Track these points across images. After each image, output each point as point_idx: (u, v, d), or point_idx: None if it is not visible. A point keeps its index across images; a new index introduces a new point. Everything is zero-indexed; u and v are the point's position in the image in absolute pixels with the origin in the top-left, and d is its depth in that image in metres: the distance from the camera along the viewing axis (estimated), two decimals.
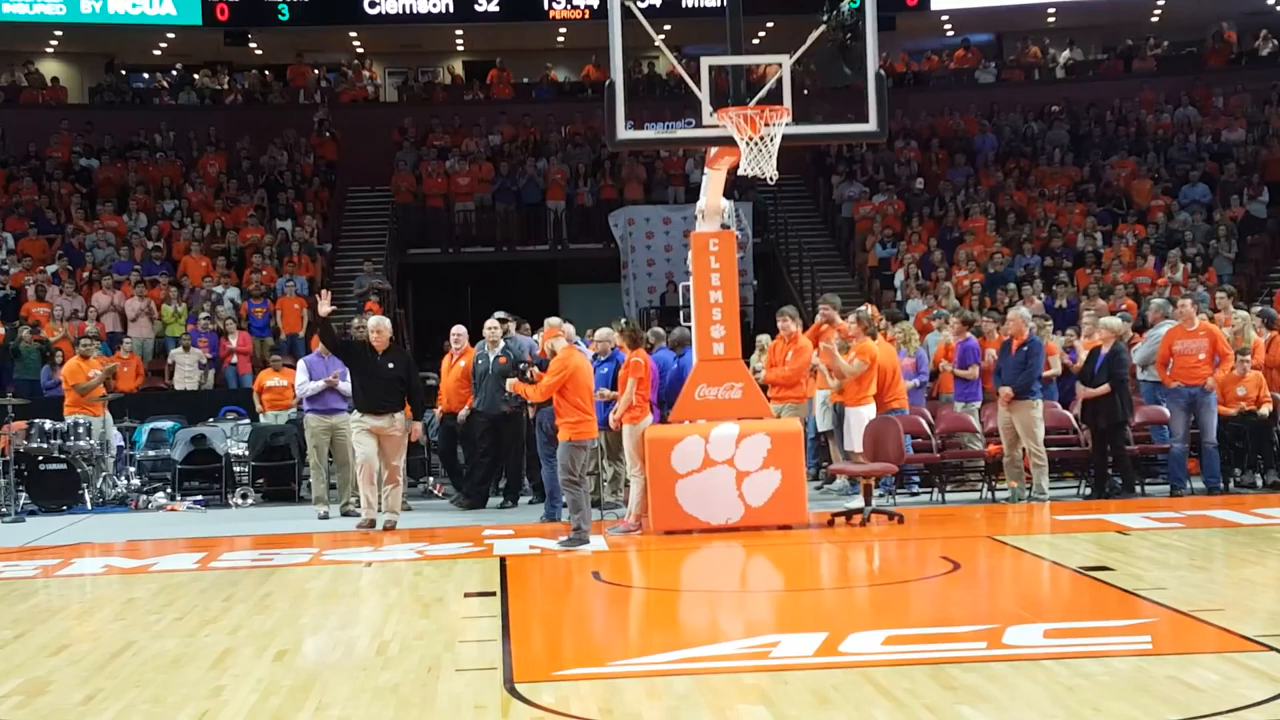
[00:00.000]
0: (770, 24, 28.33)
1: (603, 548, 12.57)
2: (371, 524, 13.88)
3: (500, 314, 16.20)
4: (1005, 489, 15.06)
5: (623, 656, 8.30)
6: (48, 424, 17.01)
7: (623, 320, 14.97)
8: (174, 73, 34.80)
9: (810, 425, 15.58)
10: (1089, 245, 26.52)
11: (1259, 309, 17.86)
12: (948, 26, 34.50)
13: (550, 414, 13.39)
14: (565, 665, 8.00)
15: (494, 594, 10.31)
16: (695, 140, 13.80)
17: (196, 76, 34.01)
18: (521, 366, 14.13)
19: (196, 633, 9.20)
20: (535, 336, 16.08)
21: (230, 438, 17.70)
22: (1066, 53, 35.29)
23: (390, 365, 14.05)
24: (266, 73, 34.68)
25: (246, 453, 17.46)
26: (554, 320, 15.68)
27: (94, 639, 9.15)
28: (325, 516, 15.03)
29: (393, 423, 13.96)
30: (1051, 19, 33.89)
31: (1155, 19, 34.04)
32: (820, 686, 7.17)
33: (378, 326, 14.35)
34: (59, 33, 32.48)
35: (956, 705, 6.76)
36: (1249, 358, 15.69)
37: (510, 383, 13.71)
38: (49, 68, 33.84)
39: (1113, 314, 18.33)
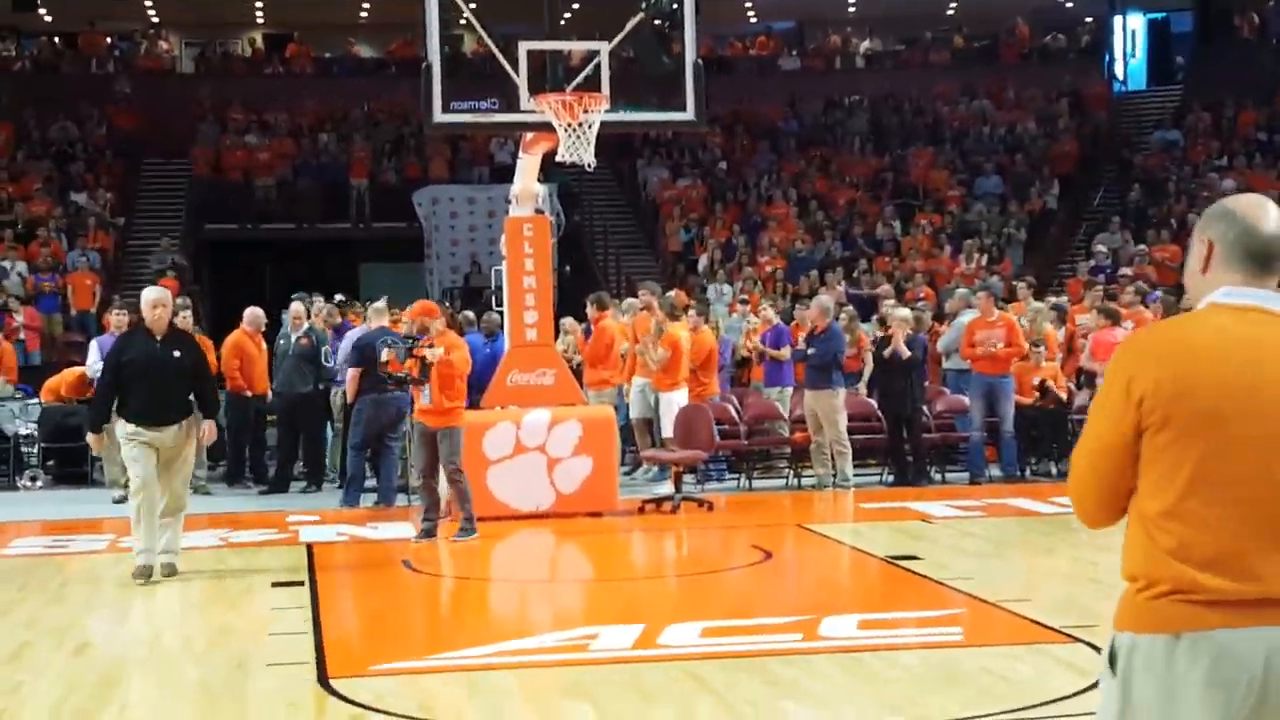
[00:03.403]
0: (576, 5, 28.30)
1: (413, 534, 12.39)
2: (148, 573, 10.09)
3: (302, 294, 16.03)
4: (812, 476, 15.23)
5: (440, 650, 8.15)
6: None
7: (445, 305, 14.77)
8: None
9: (622, 412, 15.58)
10: (887, 234, 27.01)
11: (1053, 301, 18.36)
12: (751, 13, 34.85)
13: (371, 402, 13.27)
14: (380, 659, 7.81)
15: (302, 583, 10.09)
16: (514, 125, 13.65)
17: None
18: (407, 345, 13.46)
19: None
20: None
21: (19, 418, 17.07)
22: (866, 43, 35.90)
23: (175, 354, 10.17)
24: (56, 40, 33.64)
25: (36, 432, 16.85)
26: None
27: None
28: (121, 500, 14.53)
29: (178, 433, 10.09)
30: (852, 9, 34.47)
31: (951, 12, 34.83)
32: (642, 681, 7.14)
33: (156, 300, 10.27)
34: None
35: (778, 700, 6.80)
36: (1043, 349, 16.10)
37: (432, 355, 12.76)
38: None
39: (912, 302, 18.69)
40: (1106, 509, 3.07)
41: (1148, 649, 2.91)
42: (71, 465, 16.64)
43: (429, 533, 11.86)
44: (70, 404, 16.61)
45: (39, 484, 16.47)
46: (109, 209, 27.18)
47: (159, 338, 10.16)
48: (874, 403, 15.81)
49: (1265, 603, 2.87)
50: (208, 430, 10.43)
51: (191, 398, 10.24)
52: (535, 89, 12.80)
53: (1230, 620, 2.87)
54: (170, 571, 10.15)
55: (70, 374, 16.98)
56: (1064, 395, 15.83)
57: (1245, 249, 3.08)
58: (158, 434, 9.94)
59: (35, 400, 17.46)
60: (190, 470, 10.59)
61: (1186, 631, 2.88)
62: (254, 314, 16.03)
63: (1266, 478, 2.92)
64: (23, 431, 16.88)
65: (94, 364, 15.07)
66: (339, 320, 16.24)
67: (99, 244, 25.34)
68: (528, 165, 13.77)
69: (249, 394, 15.75)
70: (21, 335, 21.54)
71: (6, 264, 23.67)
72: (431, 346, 11.76)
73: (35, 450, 16.76)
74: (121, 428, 10.04)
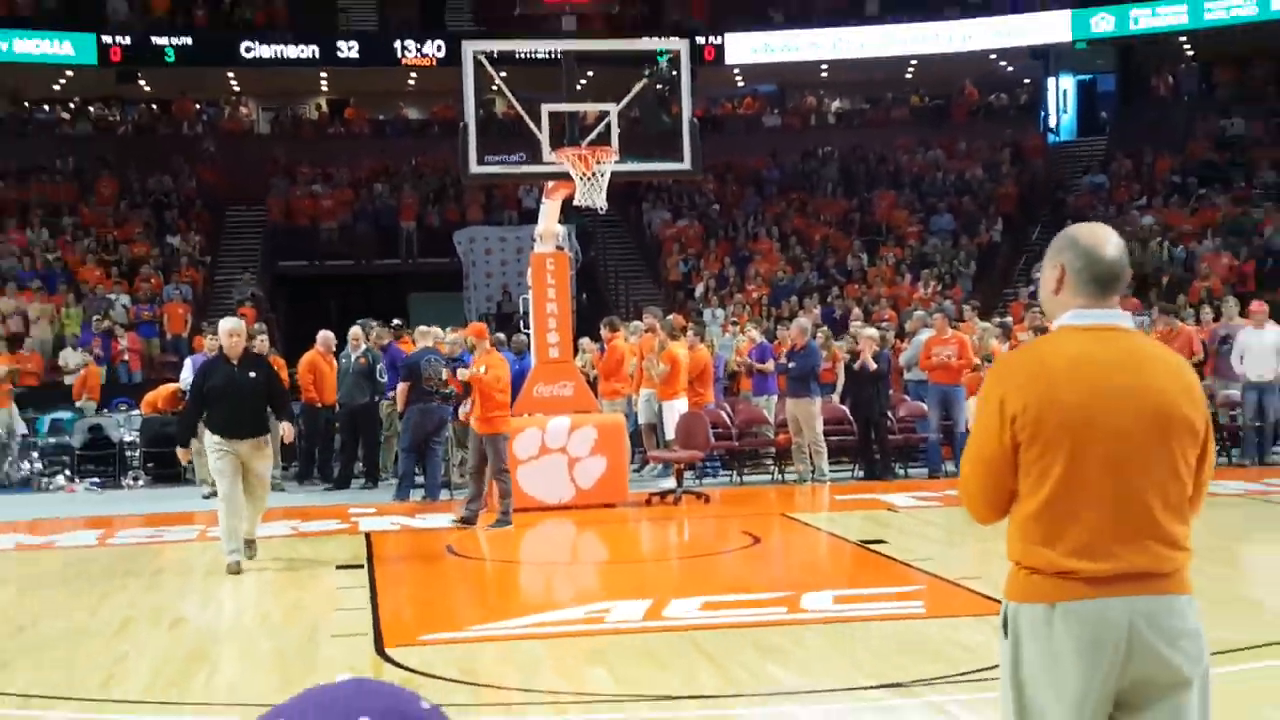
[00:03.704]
0: (590, 73, 28.37)
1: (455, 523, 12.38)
2: (238, 569, 9.79)
3: (364, 321, 16.03)
4: (793, 472, 15.20)
5: (478, 622, 8.14)
6: None
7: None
8: (72, 106, 33.65)
9: (632, 419, 15.56)
10: (856, 264, 26.98)
11: (998, 321, 18.31)
12: (739, 78, 34.79)
13: (419, 411, 13.33)
14: (428, 631, 7.82)
15: (361, 566, 10.09)
16: (538, 175, 13.70)
17: (92, 109, 33.00)
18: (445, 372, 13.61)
19: (98, 605, 8.84)
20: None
21: (123, 426, 17.09)
22: (837, 103, 35.87)
23: (252, 375, 10.04)
24: (154, 107, 33.74)
25: (138, 439, 16.86)
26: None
27: (4, 612, 8.74)
28: (210, 496, 14.52)
29: (257, 443, 9.92)
30: (825, 74, 34.39)
31: (909, 76, 34.74)
32: (650, 648, 7.13)
33: (231, 329, 10.11)
34: None
35: (766, 664, 6.78)
36: (990, 362, 16.02)
37: (464, 374, 12.69)
38: None
39: (877, 323, 18.62)
40: (993, 509, 3.12)
41: (1030, 616, 2.99)
42: (167, 467, 16.56)
43: (468, 520, 11.85)
44: (166, 415, 16.64)
45: (140, 483, 16.46)
46: (198, 249, 27.27)
47: (236, 362, 10.01)
48: (846, 409, 15.77)
49: (1123, 577, 2.94)
50: (286, 430, 10.47)
51: (268, 410, 10.19)
52: (555, 144, 12.83)
53: (1095, 592, 2.95)
54: (251, 554, 9.98)
55: (165, 389, 17.02)
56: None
57: (1091, 274, 3.10)
58: (239, 445, 9.82)
59: (137, 412, 17.50)
60: (269, 472, 10.34)
61: (1060, 602, 2.96)
62: (325, 336, 16.05)
63: (1121, 478, 2.99)
64: (127, 438, 16.90)
65: (186, 378, 15.10)
66: (386, 341, 16.24)
67: (190, 279, 25.47)
68: (549, 209, 13.77)
69: (319, 405, 15.78)
70: (125, 357, 21.64)
71: (113, 296, 23.82)
72: (467, 367, 11.87)
73: (137, 454, 16.76)
74: (209, 440, 9.97)
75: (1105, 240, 3.14)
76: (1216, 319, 17.55)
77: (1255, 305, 16.05)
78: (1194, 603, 3.03)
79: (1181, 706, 2.95)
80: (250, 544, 10.05)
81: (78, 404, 17.87)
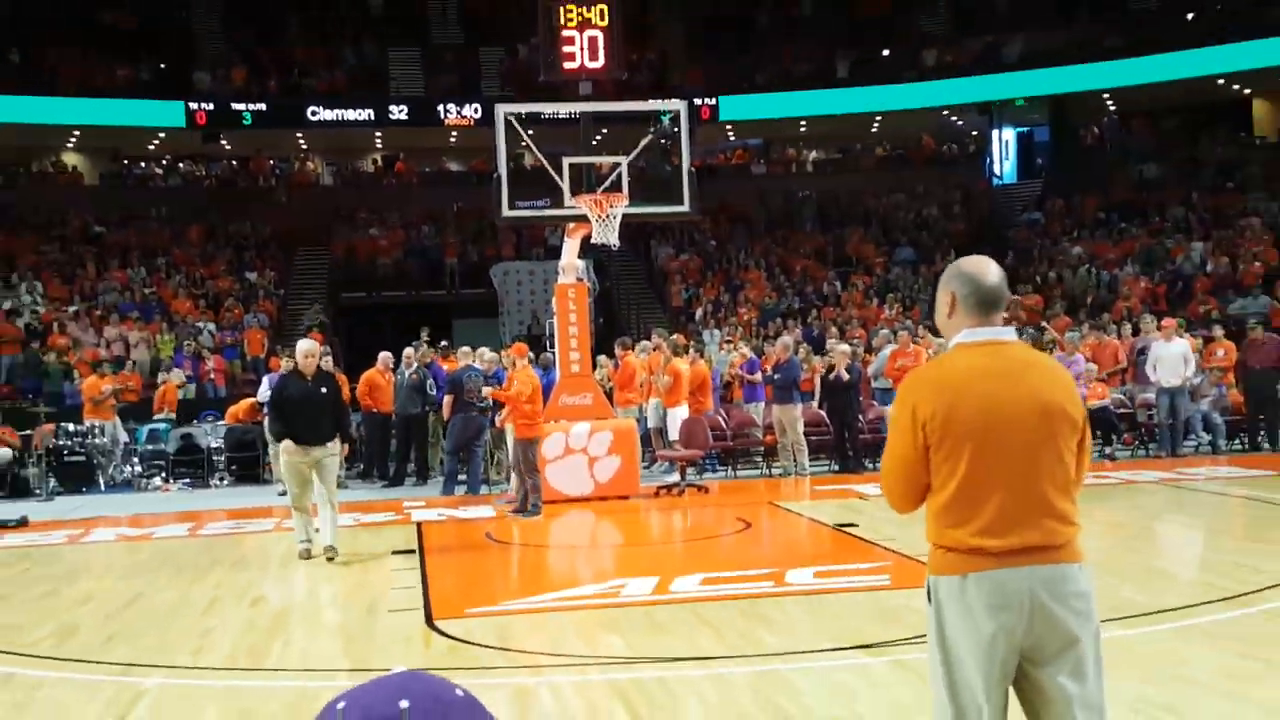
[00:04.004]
0: (604, 130, 28.49)
1: (491, 514, 12.38)
2: (308, 554, 9.82)
3: (417, 342, 16.10)
4: (779, 467, 15.19)
5: (512, 598, 8.15)
6: (70, 426, 16.34)
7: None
8: (164, 162, 33.80)
9: (642, 423, 15.56)
10: (831, 291, 26.95)
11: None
12: (730, 133, 34.84)
13: (461, 419, 13.40)
14: (471, 605, 7.79)
15: (413, 552, 10.09)
16: (559, 218, 13.73)
17: (182, 165, 33.12)
18: (484, 389, 13.68)
19: (189, 587, 8.85)
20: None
21: (210, 435, 17.11)
22: (813, 153, 35.86)
23: (323, 390, 9.85)
24: (234, 162, 33.87)
25: (223, 445, 16.89)
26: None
27: (110, 592, 8.76)
28: (283, 494, 14.53)
29: (326, 452, 9.71)
30: (803, 129, 34.41)
31: (875, 130, 34.76)
32: (658, 618, 7.12)
33: (306, 351, 10.00)
34: (76, 133, 31.40)
35: (756, 630, 6.76)
36: None
37: (487, 390, 13.16)
38: (69, 158, 32.68)
39: (849, 340, 18.58)
40: (910, 501, 3.16)
41: (947, 585, 3.02)
42: (248, 469, 16.67)
43: (521, 510, 11.93)
44: (246, 425, 16.68)
45: (225, 483, 16.48)
46: (272, 284, 27.39)
47: (309, 378, 9.81)
48: (823, 413, 15.78)
49: (1024, 550, 2.98)
50: (344, 450, 10.06)
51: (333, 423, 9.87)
52: (575, 191, 12.88)
53: (1000, 564, 2.98)
54: (332, 556, 9.64)
55: (245, 404, 17.06)
56: None
57: (976, 299, 3.13)
58: (312, 450, 9.61)
59: (222, 422, 17.54)
60: (336, 474, 9.98)
61: (971, 573, 2.98)
62: (384, 357, 16.14)
63: (1016, 468, 3.02)
64: (213, 445, 16.92)
65: (263, 392, 15.14)
66: (429, 360, 16.27)
67: (266, 309, 25.56)
68: (570, 246, 13.79)
69: (376, 413, 15.82)
70: (212, 376, 21.67)
71: (200, 324, 23.83)
72: (501, 382, 12.04)
73: (222, 459, 16.78)
74: (283, 445, 9.73)
75: (987, 270, 3.18)
76: (1135, 334, 17.57)
77: (1166, 321, 16.04)
78: (1085, 569, 3.05)
79: (1078, 659, 2.99)
80: (331, 549, 9.65)
81: (156, 416, 17.84)
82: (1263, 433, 15.50)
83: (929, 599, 3.07)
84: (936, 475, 3.05)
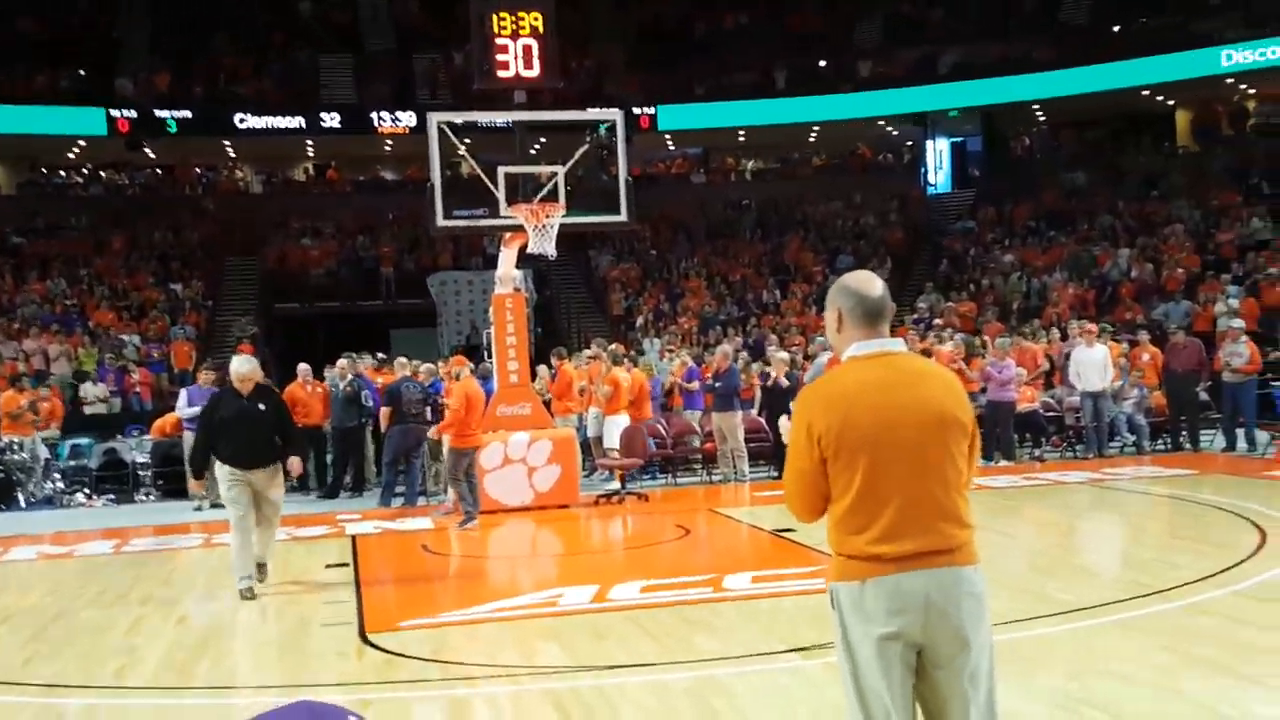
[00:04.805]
0: (541, 139, 28.49)
1: (429, 526, 12.30)
2: (251, 594, 8.71)
3: (350, 354, 15.93)
4: (719, 473, 15.23)
5: (449, 609, 8.07)
6: None
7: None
8: (85, 171, 33.25)
9: (581, 432, 15.54)
10: (770, 299, 27.13)
11: None
12: (670, 142, 35.00)
13: (399, 431, 13.32)
14: (406, 618, 7.72)
15: (348, 565, 9.99)
16: (495, 227, 13.65)
17: (103, 174, 32.63)
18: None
19: (114, 604, 8.68)
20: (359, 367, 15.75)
21: (135, 449, 16.82)
22: (752, 162, 36.12)
23: (261, 407, 8.82)
24: (159, 170, 33.42)
25: (149, 460, 16.60)
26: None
27: (31, 611, 8.55)
28: (199, 509, 14.32)
29: (268, 471, 8.80)
30: (742, 138, 34.67)
31: (812, 139, 35.09)
32: (597, 626, 7.11)
33: (241, 375, 8.85)
34: None
35: (695, 636, 6.78)
36: None
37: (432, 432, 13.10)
38: None
39: (788, 347, 18.70)
40: (811, 511, 3.22)
41: (848, 591, 3.12)
42: (175, 484, 16.37)
43: (467, 521, 11.85)
44: (173, 439, 16.41)
45: (151, 498, 16.19)
46: (200, 295, 27.00)
47: (245, 395, 8.82)
48: (763, 420, 15.85)
49: (918, 555, 3.06)
50: (295, 465, 8.92)
51: (278, 440, 8.90)
52: (511, 200, 12.85)
53: (896, 569, 3.06)
54: (262, 577, 8.96)
55: (171, 417, 16.75)
56: None
57: (862, 311, 3.22)
58: (251, 474, 8.73)
59: (148, 436, 17.26)
60: (281, 499, 9.09)
61: (869, 579, 3.07)
62: (303, 369, 16.06)
63: (910, 476, 3.10)
64: (139, 459, 16.64)
65: (181, 406, 14.93)
66: (359, 372, 16.08)
67: (193, 321, 25.21)
68: (507, 256, 13.74)
69: (304, 426, 15.63)
70: (137, 389, 21.33)
71: (125, 337, 23.46)
72: (439, 394, 11.99)
73: (148, 473, 16.50)
74: (222, 470, 8.77)
75: (871, 283, 3.28)
76: (1064, 339, 17.93)
77: (1088, 327, 16.38)
78: (978, 572, 3.14)
79: (974, 661, 3.08)
80: (261, 566, 8.99)
81: (41, 433, 16.54)
82: (1184, 433, 15.88)
83: (832, 605, 3.15)
84: (835, 485, 3.13)
